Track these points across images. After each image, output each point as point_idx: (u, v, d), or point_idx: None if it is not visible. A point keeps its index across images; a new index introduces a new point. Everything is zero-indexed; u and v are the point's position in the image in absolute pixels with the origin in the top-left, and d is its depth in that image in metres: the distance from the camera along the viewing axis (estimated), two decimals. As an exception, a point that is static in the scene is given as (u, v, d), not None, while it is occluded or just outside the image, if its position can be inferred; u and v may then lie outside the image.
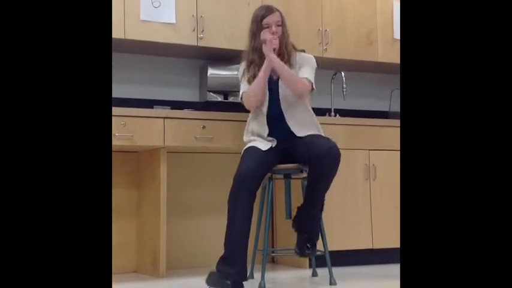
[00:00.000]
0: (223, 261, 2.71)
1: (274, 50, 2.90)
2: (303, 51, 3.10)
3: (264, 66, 2.91)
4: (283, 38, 2.98)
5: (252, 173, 2.77)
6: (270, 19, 2.97)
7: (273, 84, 2.98)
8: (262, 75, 2.91)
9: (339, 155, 2.78)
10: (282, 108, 2.97)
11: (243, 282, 2.75)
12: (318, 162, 2.76)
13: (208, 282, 2.65)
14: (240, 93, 3.06)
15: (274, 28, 2.95)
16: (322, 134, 3.00)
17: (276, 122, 2.96)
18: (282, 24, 2.99)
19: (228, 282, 2.62)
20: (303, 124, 2.98)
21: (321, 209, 2.96)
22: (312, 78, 2.99)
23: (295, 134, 2.95)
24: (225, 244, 2.74)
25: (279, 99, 2.97)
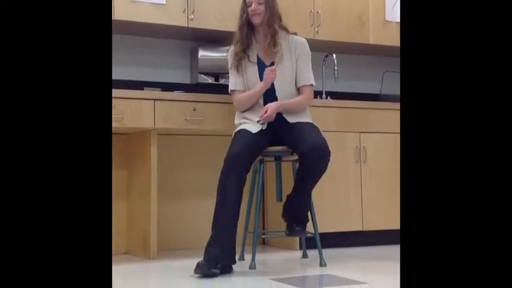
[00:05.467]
0: (212, 243, 2.72)
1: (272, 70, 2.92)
2: (295, 34, 3.08)
3: (260, 86, 2.93)
4: (266, 15, 2.95)
5: (242, 156, 2.77)
6: None
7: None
8: (258, 93, 2.94)
9: (329, 153, 2.79)
10: (278, 96, 2.97)
11: (233, 266, 2.77)
12: (306, 159, 2.77)
13: (196, 271, 2.64)
14: (230, 86, 3.07)
15: (254, 6, 2.94)
16: (312, 121, 3.01)
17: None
18: (266, 1, 2.95)
19: (216, 270, 2.63)
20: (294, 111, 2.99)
21: (309, 196, 2.97)
22: (313, 79, 3.04)
23: (287, 120, 2.95)
24: (214, 226, 2.75)
25: (274, 89, 2.97)
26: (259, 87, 2.93)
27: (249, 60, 3.00)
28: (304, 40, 3.07)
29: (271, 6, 2.97)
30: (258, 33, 3.01)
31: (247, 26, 2.99)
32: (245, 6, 2.99)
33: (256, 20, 2.96)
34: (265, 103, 2.97)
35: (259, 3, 2.95)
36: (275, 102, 2.93)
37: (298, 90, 3.03)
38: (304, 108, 3.03)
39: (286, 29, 3.05)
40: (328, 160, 2.81)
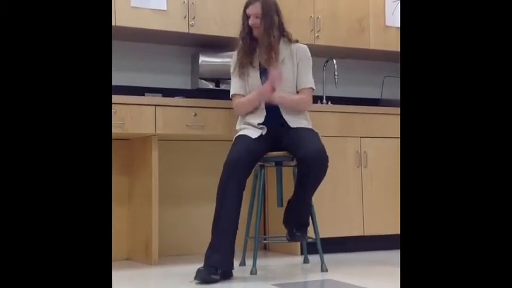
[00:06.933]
0: (211, 249, 2.72)
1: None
2: (297, 41, 3.09)
3: (259, 92, 2.93)
4: (261, 27, 2.96)
5: (241, 160, 2.78)
6: (250, 10, 3.00)
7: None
8: (257, 98, 2.94)
9: (326, 159, 2.80)
10: None
11: (233, 271, 2.77)
12: (305, 165, 2.78)
13: (196, 278, 2.63)
14: (231, 90, 3.08)
15: (251, 20, 2.98)
16: (311, 127, 3.02)
17: (270, 110, 2.97)
18: (265, 13, 2.96)
19: (216, 277, 2.63)
20: (296, 115, 3.00)
21: (310, 201, 2.97)
22: (313, 83, 3.05)
23: (288, 124, 2.96)
24: (214, 231, 2.75)
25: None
26: (257, 94, 2.95)
27: (251, 66, 3.02)
28: (306, 46, 3.09)
29: (270, 16, 2.97)
30: (259, 41, 3.02)
31: (250, 36, 3.02)
32: (246, 18, 3.01)
33: (255, 33, 3.01)
34: (266, 106, 2.98)
35: (257, 17, 2.98)
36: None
37: (298, 94, 3.04)
38: (303, 110, 3.04)
39: (289, 38, 3.06)
40: (327, 166, 2.81)
